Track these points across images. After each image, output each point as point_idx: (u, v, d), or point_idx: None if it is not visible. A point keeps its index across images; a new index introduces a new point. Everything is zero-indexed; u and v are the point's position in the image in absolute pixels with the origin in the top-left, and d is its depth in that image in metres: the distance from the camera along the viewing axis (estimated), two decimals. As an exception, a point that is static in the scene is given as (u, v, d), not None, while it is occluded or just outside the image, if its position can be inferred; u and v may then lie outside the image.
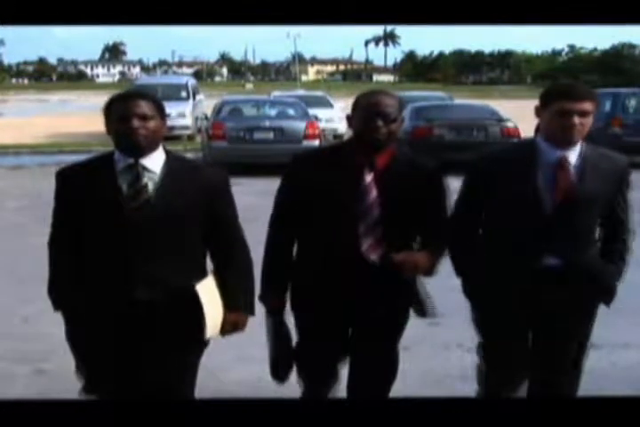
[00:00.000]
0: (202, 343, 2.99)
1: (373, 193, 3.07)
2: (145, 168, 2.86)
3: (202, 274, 2.97)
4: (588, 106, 2.95)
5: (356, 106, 3.12)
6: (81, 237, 2.90)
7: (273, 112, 14.99)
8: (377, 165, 3.08)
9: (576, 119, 2.94)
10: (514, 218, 3.09)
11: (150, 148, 2.86)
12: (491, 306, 3.19)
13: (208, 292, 2.92)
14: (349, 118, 3.15)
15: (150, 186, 2.85)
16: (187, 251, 2.92)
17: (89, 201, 2.85)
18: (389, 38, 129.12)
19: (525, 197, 3.03)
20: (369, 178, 3.08)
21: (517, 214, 3.07)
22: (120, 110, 2.83)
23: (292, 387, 3.35)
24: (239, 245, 3.04)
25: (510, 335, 3.18)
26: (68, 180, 2.92)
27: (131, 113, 2.80)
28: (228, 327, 2.99)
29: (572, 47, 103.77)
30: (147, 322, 2.84)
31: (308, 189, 3.11)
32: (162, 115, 2.89)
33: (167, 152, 2.94)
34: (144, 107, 2.82)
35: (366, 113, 3.04)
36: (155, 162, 2.88)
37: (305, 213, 3.13)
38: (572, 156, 3.04)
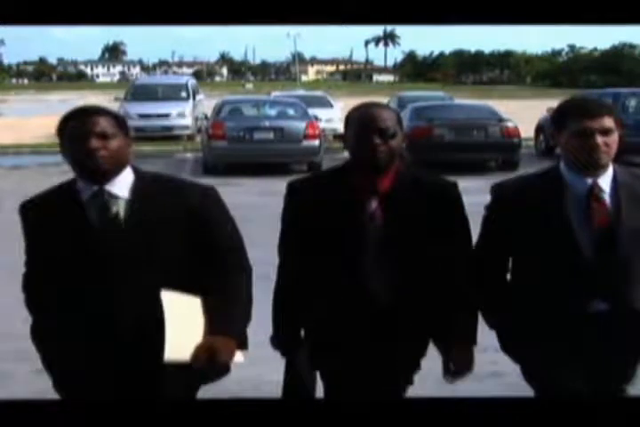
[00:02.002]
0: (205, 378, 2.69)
1: (379, 222, 2.72)
2: (112, 195, 2.53)
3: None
4: (608, 122, 2.61)
5: (348, 123, 2.75)
6: (57, 276, 2.61)
7: (273, 112, 15.06)
8: (380, 188, 2.71)
9: (598, 139, 2.59)
10: (548, 260, 2.73)
11: (115, 170, 2.51)
12: (537, 359, 2.80)
13: (181, 306, 2.54)
14: (343, 137, 2.79)
15: (122, 214, 2.52)
16: (173, 281, 2.55)
17: (58, 237, 2.55)
18: (389, 38, 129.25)
19: (558, 235, 2.68)
20: (373, 205, 2.72)
21: (551, 256, 2.72)
22: (75, 129, 2.49)
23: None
24: (236, 274, 2.64)
25: (566, 386, 2.76)
26: (32, 216, 2.65)
27: (88, 132, 2.47)
28: (202, 353, 2.47)
29: (572, 47, 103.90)
30: (135, 360, 2.57)
31: (306, 222, 2.78)
32: (125, 131, 2.55)
33: (137, 173, 2.60)
34: (103, 124, 2.48)
35: (361, 130, 2.68)
36: (123, 186, 2.54)
37: (308, 250, 2.79)
38: (604, 182, 2.69)
